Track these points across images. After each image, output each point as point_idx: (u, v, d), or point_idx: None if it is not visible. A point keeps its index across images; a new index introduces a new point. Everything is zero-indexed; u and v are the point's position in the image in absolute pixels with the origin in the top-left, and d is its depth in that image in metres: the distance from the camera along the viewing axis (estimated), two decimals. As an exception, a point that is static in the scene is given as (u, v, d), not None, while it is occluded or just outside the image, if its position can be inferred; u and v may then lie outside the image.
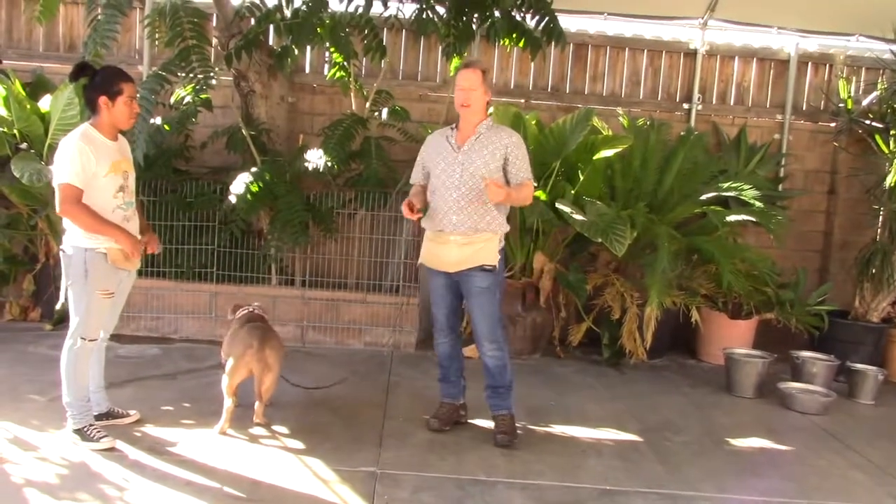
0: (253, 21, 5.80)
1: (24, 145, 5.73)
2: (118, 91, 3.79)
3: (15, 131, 5.72)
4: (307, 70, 6.96)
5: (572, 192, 6.03)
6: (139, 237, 3.98)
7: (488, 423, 4.43)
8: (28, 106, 5.76)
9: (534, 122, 6.37)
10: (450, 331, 4.42)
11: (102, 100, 3.78)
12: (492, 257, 4.19)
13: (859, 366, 5.80)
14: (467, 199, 4.14)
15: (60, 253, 3.86)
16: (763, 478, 4.13)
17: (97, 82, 3.81)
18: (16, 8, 6.83)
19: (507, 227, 4.33)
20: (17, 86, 5.79)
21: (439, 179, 4.21)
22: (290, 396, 4.71)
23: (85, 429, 3.86)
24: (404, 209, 4.14)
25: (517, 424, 4.41)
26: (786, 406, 5.38)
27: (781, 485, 4.06)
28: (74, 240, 3.78)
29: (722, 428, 4.90)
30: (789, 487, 4.03)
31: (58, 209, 3.72)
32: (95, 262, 3.77)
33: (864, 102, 6.94)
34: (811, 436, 4.88)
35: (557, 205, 5.78)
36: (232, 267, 6.13)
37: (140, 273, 4.24)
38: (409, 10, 6.17)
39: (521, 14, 6.13)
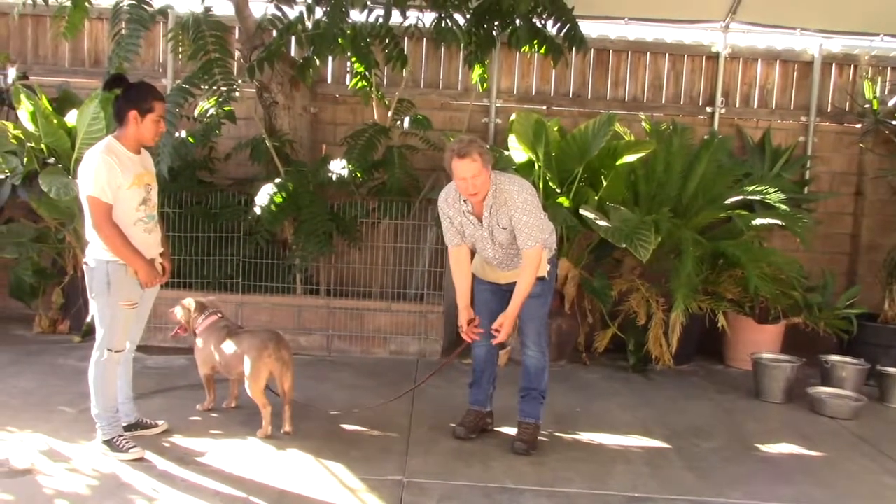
0: (275, 33, 5.86)
1: (51, 160, 5.81)
2: (149, 108, 3.83)
3: (42, 146, 5.79)
4: (329, 80, 7.00)
5: (595, 197, 6.01)
6: (160, 249, 4.04)
7: (515, 432, 4.41)
8: (55, 121, 5.83)
9: (556, 129, 6.35)
10: (488, 335, 4.38)
11: (133, 114, 3.82)
12: (542, 269, 4.20)
13: (890, 369, 5.71)
14: (507, 253, 4.21)
15: (84, 265, 3.91)
16: (794, 484, 4.08)
17: (131, 96, 3.85)
18: (41, 24, 6.94)
19: (553, 243, 4.33)
20: (44, 101, 5.86)
21: (478, 245, 4.25)
22: (315, 406, 4.73)
23: (114, 440, 3.90)
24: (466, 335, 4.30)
25: (543, 432, 4.40)
26: (815, 411, 5.31)
27: (812, 490, 4.00)
28: (96, 252, 3.82)
29: (751, 433, 4.85)
30: (821, 493, 3.98)
31: (90, 222, 3.77)
32: (117, 274, 3.80)
33: (890, 102, 6.86)
34: (842, 441, 4.81)
35: (581, 211, 5.76)
36: (257, 277, 6.17)
37: (166, 284, 4.27)
38: (429, 18, 6.20)
39: (542, 21, 6.14)
